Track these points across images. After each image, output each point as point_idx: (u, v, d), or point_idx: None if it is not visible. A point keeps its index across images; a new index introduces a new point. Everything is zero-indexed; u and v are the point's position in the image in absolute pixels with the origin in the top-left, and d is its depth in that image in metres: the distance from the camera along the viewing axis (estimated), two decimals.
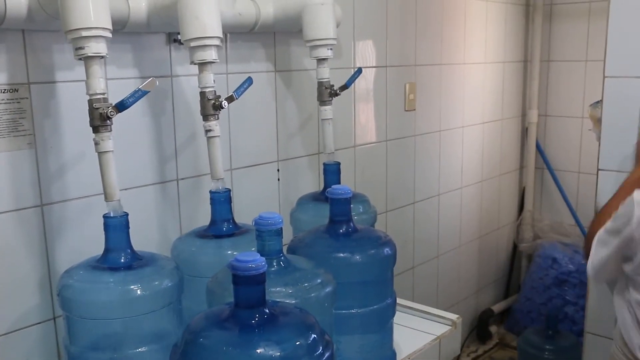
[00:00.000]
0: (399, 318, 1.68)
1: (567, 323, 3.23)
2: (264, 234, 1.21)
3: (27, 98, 1.46)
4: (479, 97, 3.10)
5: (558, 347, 2.95)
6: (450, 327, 1.81)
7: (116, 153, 1.36)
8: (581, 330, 2.41)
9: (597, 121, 2.12)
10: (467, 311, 3.28)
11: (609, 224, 1.43)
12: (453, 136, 2.95)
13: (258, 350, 0.98)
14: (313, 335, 1.03)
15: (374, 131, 2.46)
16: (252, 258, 1.00)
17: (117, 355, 1.29)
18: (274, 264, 1.23)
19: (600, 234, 1.45)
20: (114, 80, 1.58)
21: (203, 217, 1.73)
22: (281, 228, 1.22)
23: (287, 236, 1.49)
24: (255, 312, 1.02)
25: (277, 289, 1.19)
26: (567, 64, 3.38)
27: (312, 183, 2.17)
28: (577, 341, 2.86)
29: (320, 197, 1.84)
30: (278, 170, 2.06)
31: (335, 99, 1.94)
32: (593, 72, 3.21)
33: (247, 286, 1.01)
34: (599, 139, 2.17)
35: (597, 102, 2.15)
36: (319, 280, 1.26)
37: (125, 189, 1.61)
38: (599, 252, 1.44)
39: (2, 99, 1.42)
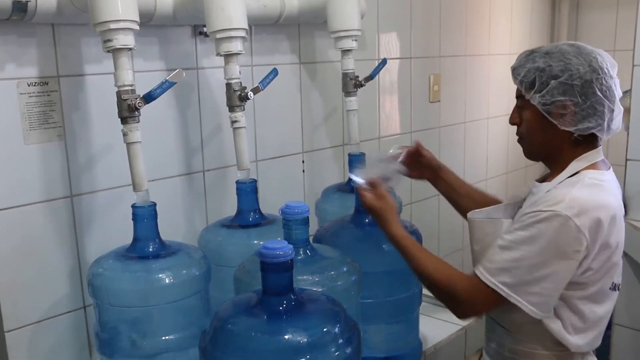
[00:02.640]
0: (424, 308, 1.68)
1: None
2: (291, 222, 1.22)
3: (56, 91, 1.48)
4: (504, 88, 3.07)
5: None
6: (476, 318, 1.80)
7: (143, 145, 1.37)
8: (609, 322, 2.37)
9: (626, 111, 2.09)
10: None
11: (542, 259, 1.23)
12: (478, 127, 2.93)
13: (286, 337, 0.99)
14: (340, 322, 1.04)
15: (399, 123, 2.45)
16: (279, 245, 1.01)
17: (146, 343, 1.31)
18: (301, 252, 1.24)
19: (530, 272, 1.24)
20: (140, 73, 1.59)
21: (229, 208, 1.74)
22: (308, 217, 1.23)
23: (313, 227, 1.50)
24: (283, 299, 1.03)
25: (304, 277, 1.20)
26: None
27: (337, 174, 2.17)
28: (605, 334, 2.83)
29: (345, 188, 1.84)
30: (303, 161, 2.07)
31: (359, 91, 1.94)
32: (621, 62, 3.12)
33: (275, 273, 1.02)
34: (627, 128, 2.14)
35: (626, 91, 2.11)
36: (345, 269, 1.26)
37: (153, 180, 1.62)
38: (546, 286, 1.25)
39: (33, 92, 1.44)
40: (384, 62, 2.00)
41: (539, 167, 3.44)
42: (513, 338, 1.38)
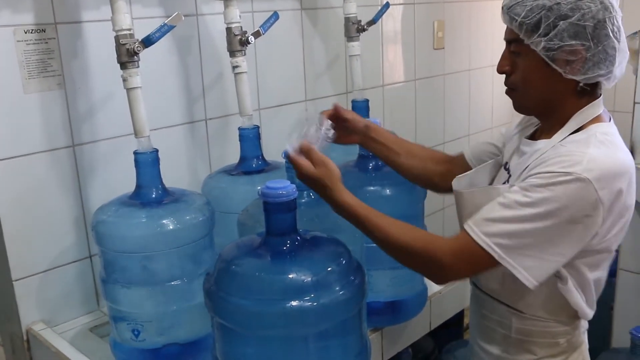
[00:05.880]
0: None
1: None
2: None
3: (54, 38, 1.46)
4: None
5: None
6: None
7: (145, 94, 1.36)
8: (613, 270, 2.37)
9: (634, 53, 2.05)
10: None
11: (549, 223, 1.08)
12: (483, 75, 2.89)
13: (290, 276, 0.99)
14: (344, 261, 1.04)
15: (402, 70, 2.42)
16: (282, 185, 1.00)
17: (151, 289, 1.31)
18: (304, 195, 1.23)
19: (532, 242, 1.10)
20: (139, 20, 1.57)
21: (232, 156, 1.73)
22: None
23: None
24: (287, 239, 1.03)
25: (307, 219, 1.19)
26: None
27: None
28: (609, 281, 2.84)
29: None
30: (306, 109, 2.04)
31: (362, 38, 1.90)
32: (632, 2, 3.09)
33: (278, 213, 1.01)
34: (635, 71, 2.11)
35: (635, 33, 2.07)
36: None
37: (155, 130, 1.61)
38: (549, 252, 1.11)
39: (30, 40, 1.42)
40: (386, 5, 1.96)
41: None
42: (522, 317, 1.25)
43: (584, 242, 1.13)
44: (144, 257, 1.30)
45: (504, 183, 1.26)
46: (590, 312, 1.25)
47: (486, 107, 2.96)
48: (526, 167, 1.18)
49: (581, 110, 1.18)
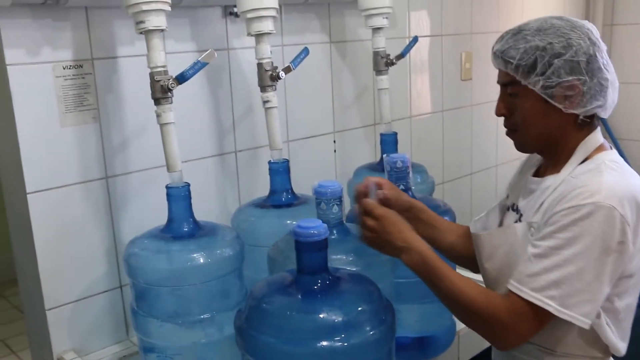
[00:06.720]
0: None
1: None
2: (324, 201, 1.21)
3: (91, 73, 1.50)
4: None
5: None
6: None
7: (176, 126, 1.38)
8: None
9: None
10: None
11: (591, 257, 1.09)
12: None
13: (321, 315, 1.00)
14: (375, 301, 1.04)
15: (430, 101, 2.43)
16: (314, 224, 1.01)
17: (181, 321, 1.33)
18: (334, 232, 1.23)
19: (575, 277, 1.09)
20: (172, 55, 1.60)
21: (261, 188, 1.75)
22: (341, 196, 1.23)
23: (345, 207, 1.49)
24: (318, 277, 1.03)
25: (338, 256, 1.20)
26: (633, 28, 3.24)
27: (368, 154, 2.16)
28: None
29: (377, 167, 1.84)
30: (334, 141, 2.06)
31: (390, 70, 1.92)
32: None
33: (310, 252, 1.02)
34: None
35: None
36: None
37: (186, 161, 1.63)
38: (596, 290, 1.11)
39: (68, 75, 1.46)
40: (415, 39, 1.98)
41: None
42: (554, 355, 1.22)
43: (622, 269, 1.14)
44: (174, 290, 1.32)
45: (515, 222, 1.26)
46: (622, 347, 1.22)
47: None
48: (541, 204, 1.19)
49: (584, 141, 1.21)
